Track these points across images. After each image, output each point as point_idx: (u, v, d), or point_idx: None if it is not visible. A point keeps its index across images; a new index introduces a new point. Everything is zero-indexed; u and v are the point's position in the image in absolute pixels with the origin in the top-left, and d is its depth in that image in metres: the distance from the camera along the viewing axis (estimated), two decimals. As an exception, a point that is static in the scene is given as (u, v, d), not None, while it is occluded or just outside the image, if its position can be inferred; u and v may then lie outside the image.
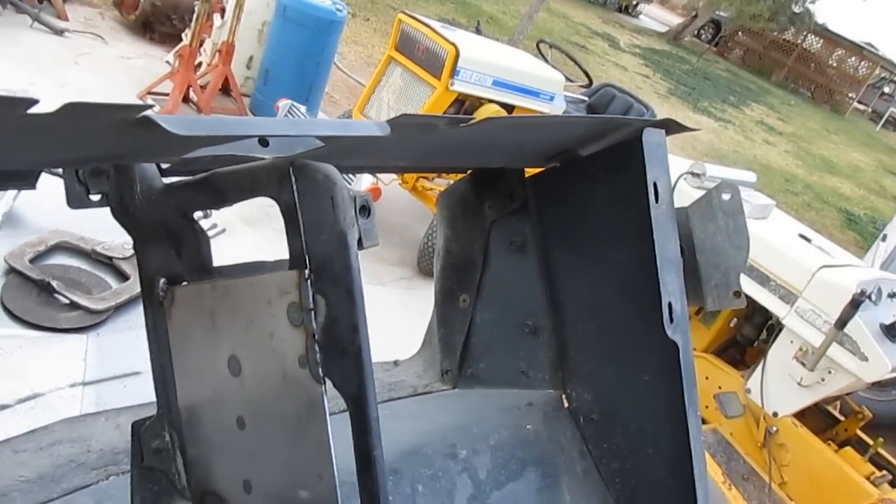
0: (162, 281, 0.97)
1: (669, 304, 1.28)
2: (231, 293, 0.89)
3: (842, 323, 3.27)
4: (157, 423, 0.98)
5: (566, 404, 1.48)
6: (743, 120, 18.32)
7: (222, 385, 0.90)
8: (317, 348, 0.79)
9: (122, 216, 0.95)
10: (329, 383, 0.80)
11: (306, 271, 0.80)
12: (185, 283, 0.95)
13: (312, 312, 0.79)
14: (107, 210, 0.98)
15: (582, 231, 1.43)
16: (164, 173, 0.96)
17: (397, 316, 4.52)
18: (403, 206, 6.20)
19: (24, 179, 0.86)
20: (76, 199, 0.94)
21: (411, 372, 1.67)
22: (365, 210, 0.79)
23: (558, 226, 1.46)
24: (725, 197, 1.62)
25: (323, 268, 0.78)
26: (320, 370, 0.79)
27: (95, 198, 0.95)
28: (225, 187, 0.87)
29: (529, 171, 1.50)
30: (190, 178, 0.89)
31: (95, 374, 2.24)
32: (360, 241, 0.78)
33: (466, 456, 1.22)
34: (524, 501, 1.26)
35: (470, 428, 1.28)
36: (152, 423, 0.97)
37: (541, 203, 1.48)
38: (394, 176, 5.52)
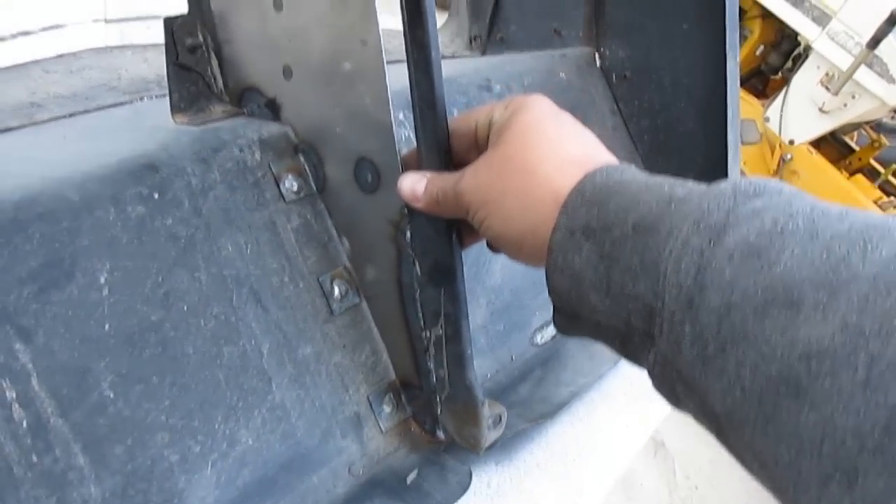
0: None
1: (721, -67, 1.19)
2: None
3: (875, 42, 3.15)
4: (190, 20, 0.94)
5: (599, 62, 1.44)
6: None
7: (255, -34, 0.86)
8: None
9: None
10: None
11: None
12: None
13: None
14: None
15: None
16: None
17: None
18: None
19: None
20: None
21: (437, 41, 1.62)
22: None
23: None
24: None
25: None
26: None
27: None
28: None
29: None
30: None
31: (117, 15, 2.17)
32: None
33: (500, 91, 1.20)
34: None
35: (503, 68, 1.25)
36: (185, 21, 0.94)
37: None
38: None
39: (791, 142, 3.67)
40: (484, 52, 1.57)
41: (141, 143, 0.85)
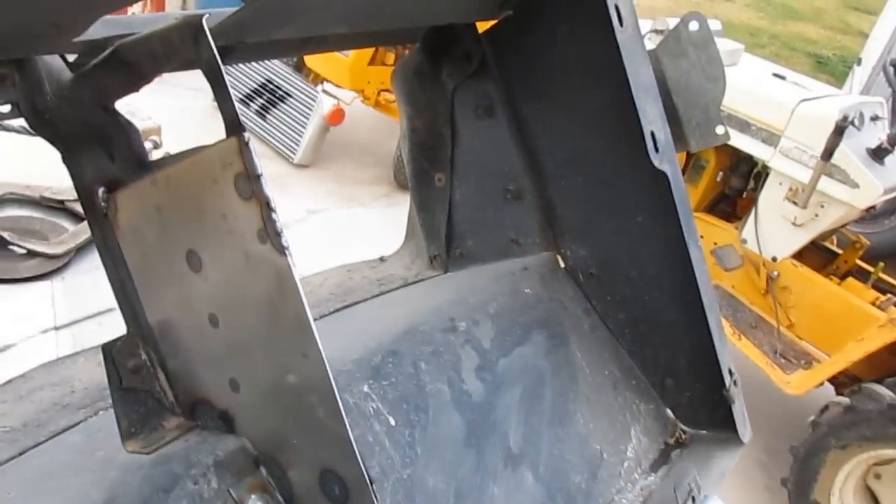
0: (101, 190, 0.88)
1: (652, 133, 1.20)
2: (173, 183, 0.80)
3: (828, 153, 3.20)
4: (130, 341, 0.91)
5: (562, 264, 1.42)
6: (699, -18, 17.83)
7: (186, 285, 0.83)
8: (274, 217, 0.72)
9: (39, 125, 0.85)
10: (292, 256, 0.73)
11: (246, 135, 0.71)
12: (124, 187, 0.87)
13: (261, 178, 0.71)
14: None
15: (549, 79, 1.33)
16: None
17: (384, 235, 4.44)
18: (370, 124, 6.06)
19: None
20: (-17, 115, 0.85)
21: (399, 265, 1.61)
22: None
23: (523, 79, 1.36)
24: (693, 28, 1.53)
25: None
26: (282, 240, 0.72)
27: (4, 108, 0.85)
28: (136, 58, 0.77)
29: (482, 28, 1.39)
30: (97, 58, 0.79)
31: (67, 318, 2.16)
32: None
33: (467, 328, 1.16)
34: (535, 365, 1.20)
35: (466, 300, 1.22)
36: (124, 343, 0.90)
37: (501, 59, 1.38)
38: (354, 94, 5.35)
39: (774, 258, 3.65)
40: (446, 270, 1.55)
41: (88, 493, 0.79)
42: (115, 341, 0.91)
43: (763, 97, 3.63)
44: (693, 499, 1.16)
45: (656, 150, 1.19)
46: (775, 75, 3.89)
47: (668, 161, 1.21)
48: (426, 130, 1.46)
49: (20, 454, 0.98)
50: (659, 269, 1.30)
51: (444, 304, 1.20)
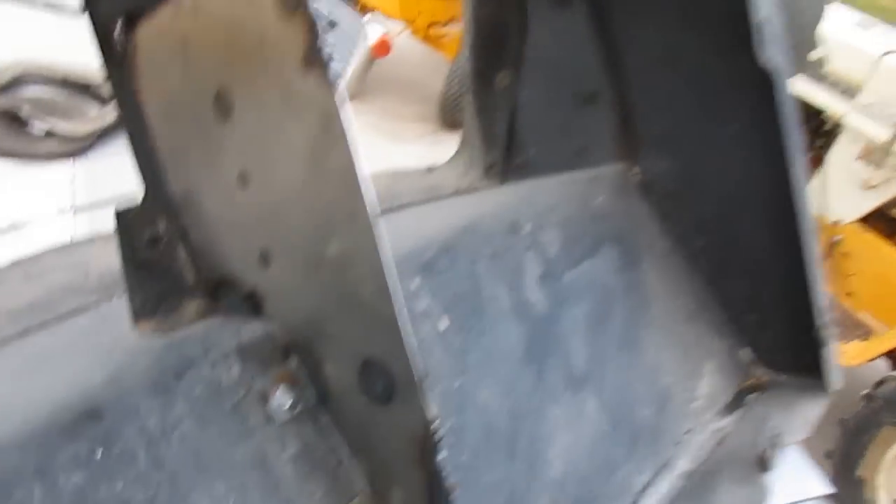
0: (119, 25, 0.75)
1: (760, 23, 1.02)
2: (201, 6, 0.66)
3: (915, 110, 2.96)
4: (148, 208, 0.78)
5: (638, 177, 1.26)
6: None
7: (213, 135, 0.69)
8: (321, 40, 0.57)
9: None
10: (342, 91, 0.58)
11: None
12: (145, 19, 0.73)
13: (311, -14, 0.57)
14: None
15: (640, -38, 1.16)
16: None
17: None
18: (416, 59, 5.86)
19: None
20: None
21: (451, 174, 1.46)
22: None
23: (609, -38, 1.19)
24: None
25: None
26: (330, 69, 0.57)
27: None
28: None
29: None
30: None
31: (86, 201, 2.01)
32: None
33: (531, 231, 1.01)
34: (604, 282, 1.06)
35: (532, 202, 1.07)
36: (141, 210, 0.78)
37: (585, -62, 1.21)
38: (403, 25, 5.16)
39: (836, 222, 3.43)
40: (503, 182, 1.39)
41: (89, 374, 0.67)
42: (129, 209, 0.78)
43: (843, 46, 3.36)
44: (775, 447, 1.01)
45: (764, 40, 1.01)
46: (859, 24, 3.61)
47: (775, 58, 1.03)
48: (491, 21, 1.30)
49: (23, 333, 0.87)
50: (751, 189, 1.14)
51: (506, 207, 1.05)
